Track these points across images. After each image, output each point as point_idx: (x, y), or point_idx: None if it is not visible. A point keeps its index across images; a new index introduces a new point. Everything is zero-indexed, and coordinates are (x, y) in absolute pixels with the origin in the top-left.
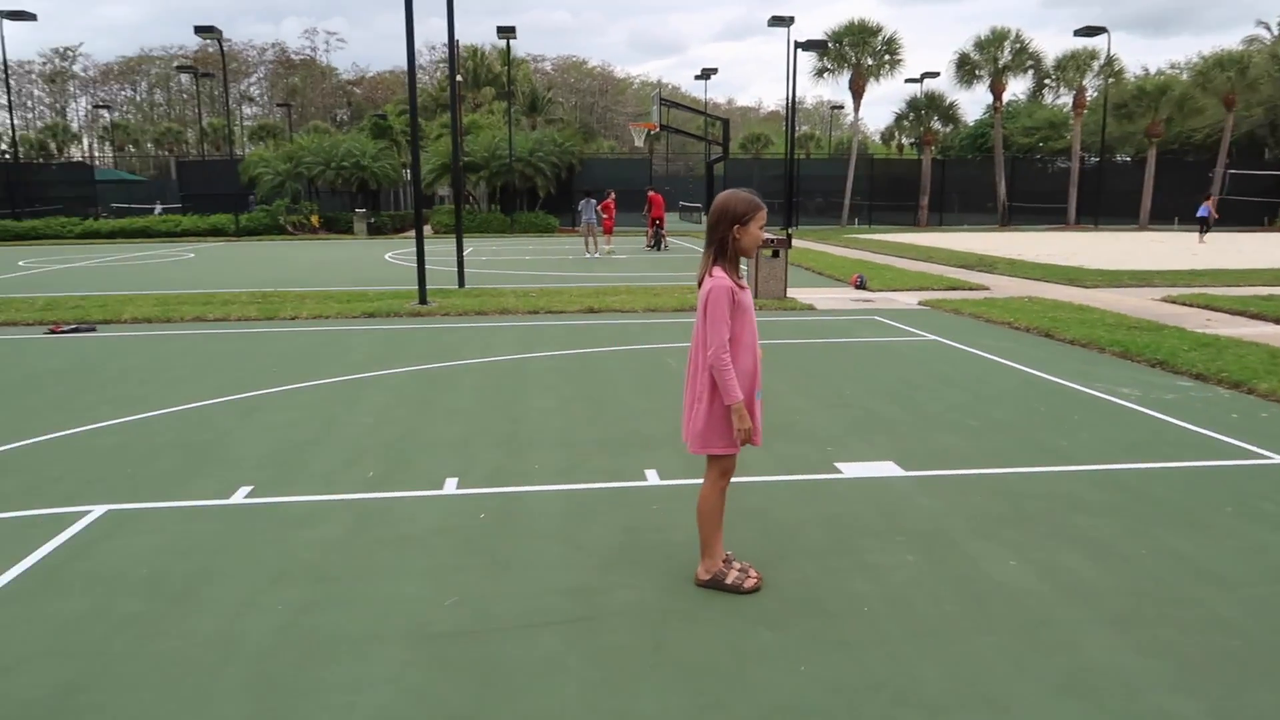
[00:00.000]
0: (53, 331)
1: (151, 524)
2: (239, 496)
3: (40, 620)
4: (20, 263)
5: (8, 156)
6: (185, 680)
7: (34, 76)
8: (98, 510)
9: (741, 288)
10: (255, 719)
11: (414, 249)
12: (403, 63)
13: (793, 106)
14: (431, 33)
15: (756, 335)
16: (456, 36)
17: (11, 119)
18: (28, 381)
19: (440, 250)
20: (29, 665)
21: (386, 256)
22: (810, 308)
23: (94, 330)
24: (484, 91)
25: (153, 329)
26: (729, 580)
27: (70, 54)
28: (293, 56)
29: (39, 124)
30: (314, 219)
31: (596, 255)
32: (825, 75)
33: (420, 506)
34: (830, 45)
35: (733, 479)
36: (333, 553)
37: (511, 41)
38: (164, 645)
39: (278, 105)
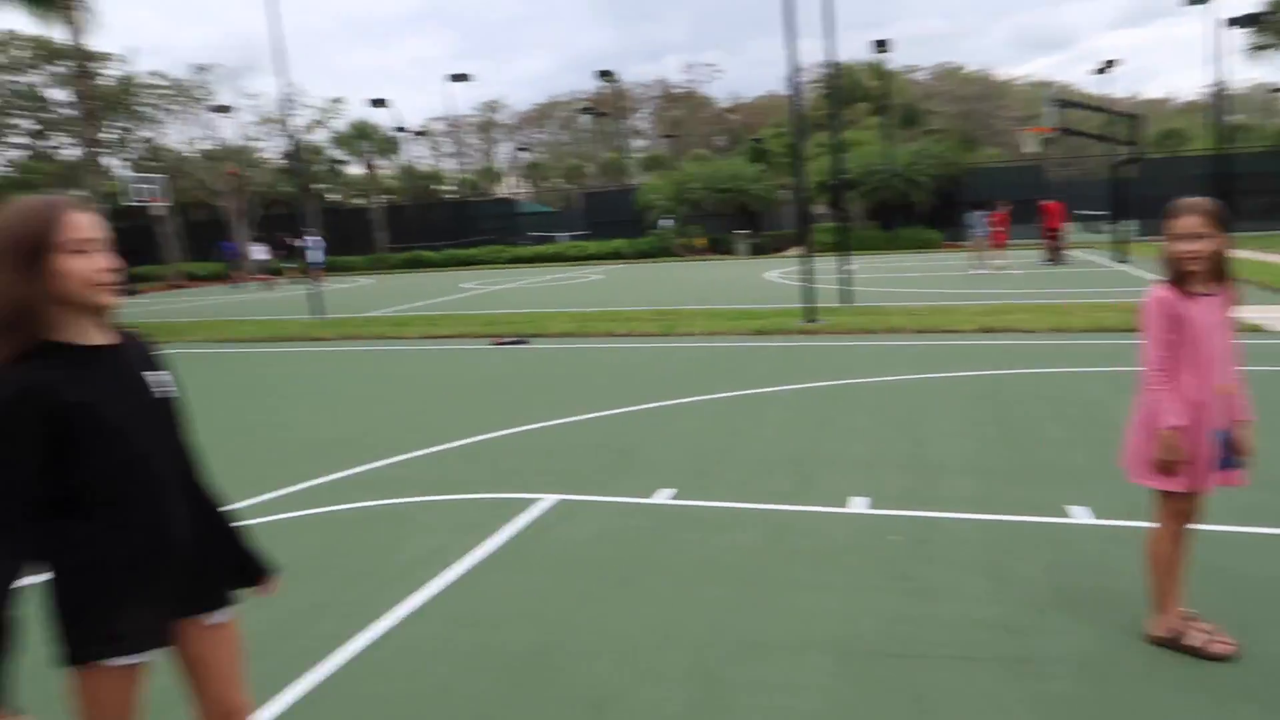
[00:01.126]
0: (495, 343)
1: (592, 514)
2: (662, 497)
3: (516, 586)
4: (462, 285)
5: (451, 195)
6: (635, 658)
7: (470, 127)
8: (550, 499)
9: (1189, 297)
10: (702, 704)
11: (795, 268)
12: (775, 87)
13: (1221, 94)
14: (801, 54)
15: (1216, 360)
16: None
17: (456, 164)
18: (481, 385)
19: (820, 268)
20: (511, 624)
21: (768, 275)
22: (1257, 329)
23: (527, 343)
24: (857, 107)
25: (572, 342)
26: (1192, 641)
27: (496, 106)
28: (674, 90)
29: (473, 167)
30: (700, 241)
31: (986, 271)
32: (1263, 51)
33: (830, 522)
34: (1270, 16)
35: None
36: (751, 559)
37: (884, 54)
38: (614, 624)
39: (662, 136)
